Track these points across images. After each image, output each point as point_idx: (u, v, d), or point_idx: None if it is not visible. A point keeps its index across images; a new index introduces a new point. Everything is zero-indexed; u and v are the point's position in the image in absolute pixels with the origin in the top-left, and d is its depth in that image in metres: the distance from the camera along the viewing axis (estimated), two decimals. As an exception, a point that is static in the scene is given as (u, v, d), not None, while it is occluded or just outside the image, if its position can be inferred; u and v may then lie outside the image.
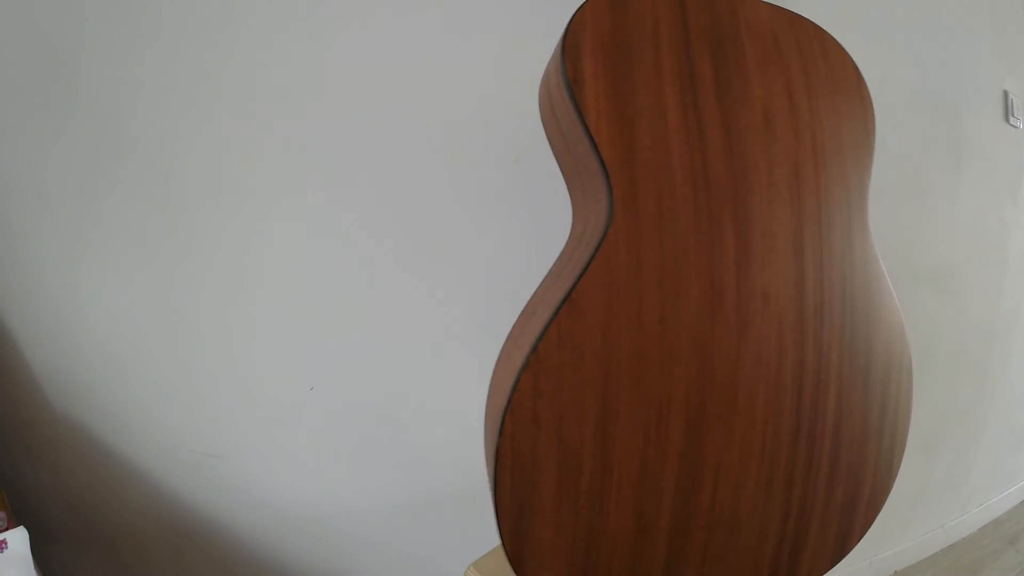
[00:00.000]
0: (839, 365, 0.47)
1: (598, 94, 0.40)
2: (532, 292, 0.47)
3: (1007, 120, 0.93)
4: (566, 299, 0.38)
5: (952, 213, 0.92)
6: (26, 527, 0.44)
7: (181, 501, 0.64)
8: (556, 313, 0.38)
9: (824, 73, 0.48)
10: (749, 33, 0.45)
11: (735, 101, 0.43)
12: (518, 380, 0.38)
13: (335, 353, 0.65)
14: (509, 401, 0.37)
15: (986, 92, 0.92)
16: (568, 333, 0.38)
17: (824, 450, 0.48)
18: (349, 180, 0.62)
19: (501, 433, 0.38)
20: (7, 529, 0.46)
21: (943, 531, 1.05)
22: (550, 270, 0.46)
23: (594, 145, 0.39)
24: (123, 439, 0.61)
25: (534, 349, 0.38)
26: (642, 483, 0.41)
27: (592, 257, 0.39)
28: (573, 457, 0.39)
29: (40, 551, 0.46)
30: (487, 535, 0.47)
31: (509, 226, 0.67)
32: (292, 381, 0.65)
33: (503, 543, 0.39)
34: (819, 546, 0.50)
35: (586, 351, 0.39)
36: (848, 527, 0.52)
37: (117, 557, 0.65)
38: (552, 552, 0.40)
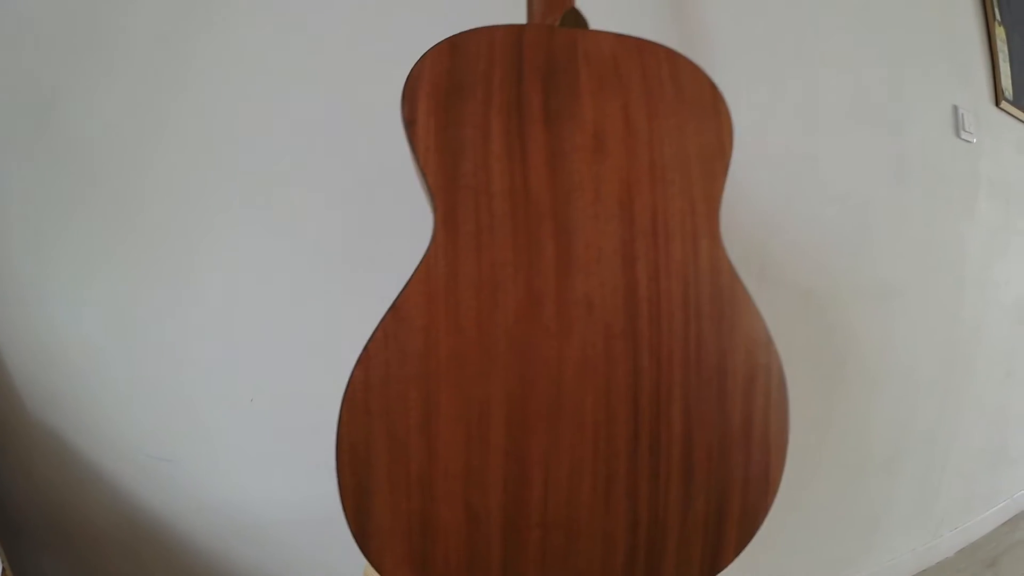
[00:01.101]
0: (684, 375, 0.49)
1: (428, 131, 0.46)
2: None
3: (958, 135, 0.89)
4: (392, 306, 0.44)
5: (900, 229, 0.88)
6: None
7: (137, 503, 0.70)
8: (384, 318, 0.44)
9: (671, 94, 0.51)
10: (587, 63, 0.49)
11: (563, 126, 0.48)
12: (352, 373, 0.44)
13: (277, 363, 0.72)
14: (345, 392, 0.44)
15: (935, 107, 0.88)
16: (393, 335, 0.44)
17: (672, 460, 0.49)
18: (296, 197, 0.71)
19: (340, 420, 0.44)
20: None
21: (913, 555, 0.97)
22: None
23: (423, 174, 0.45)
24: (87, 441, 0.68)
25: (365, 347, 0.44)
26: (468, 476, 0.45)
27: (416, 270, 0.44)
28: (400, 446, 0.45)
29: (10, 546, 0.53)
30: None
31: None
32: (235, 389, 0.72)
33: (348, 522, 0.45)
34: (683, 560, 0.51)
35: (408, 351, 0.44)
36: (717, 542, 0.52)
37: (78, 556, 0.71)
38: (391, 534, 0.45)
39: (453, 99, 0.46)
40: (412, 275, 0.44)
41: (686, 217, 0.49)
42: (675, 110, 0.50)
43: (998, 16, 0.96)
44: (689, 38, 0.76)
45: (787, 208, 0.83)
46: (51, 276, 0.67)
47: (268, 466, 0.74)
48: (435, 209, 0.45)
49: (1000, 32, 0.96)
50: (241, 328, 0.72)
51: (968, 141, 0.94)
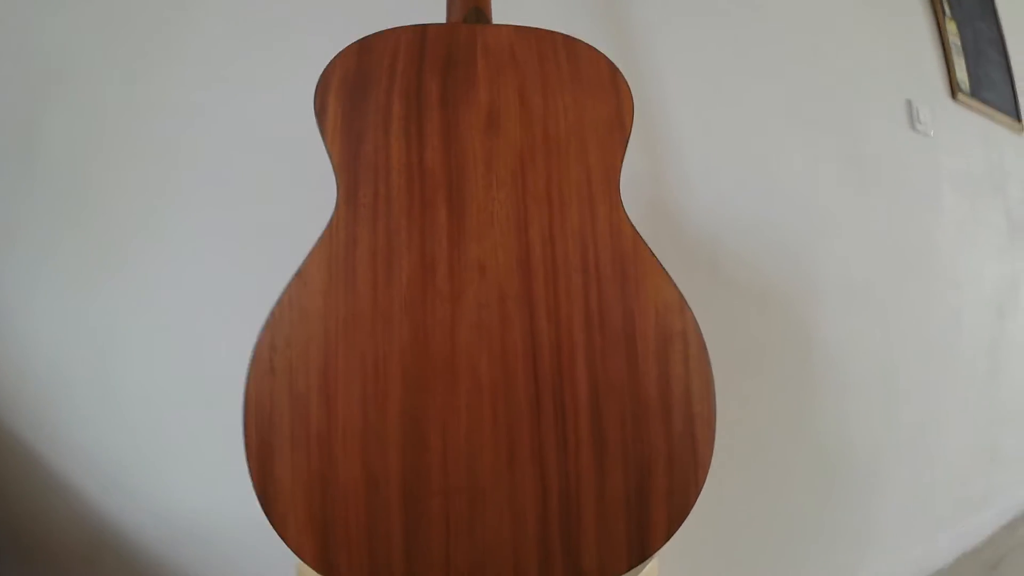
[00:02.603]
0: (586, 337, 0.49)
1: (335, 117, 0.51)
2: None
3: (913, 128, 0.87)
4: (296, 272, 0.48)
5: (859, 224, 0.84)
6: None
7: (99, 513, 0.69)
8: (289, 283, 0.48)
9: (567, 74, 0.54)
10: (484, 52, 0.54)
11: (459, 109, 0.52)
12: (260, 335, 0.47)
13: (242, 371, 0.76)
14: (252, 352, 0.47)
15: (887, 102, 0.87)
16: (296, 297, 0.48)
17: (580, 426, 0.49)
18: (261, 208, 0.78)
19: (246, 379, 0.47)
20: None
21: (911, 563, 0.85)
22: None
23: (329, 155, 0.50)
24: (50, 448, 0.69)
25: (271, 310, 0.48)
26: (365, 435, 0.47)
27: (319, 239, 0.49)
28: (302, 404, 0.47)
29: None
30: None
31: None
32: (199, 397, 0.74)
33: (252, 484, 0.47)
34: (605, 537, 0.49)
35: (309, 313, 0.47)
36: (643, 521, 0.49)
37: (37, 567, 0.70)
38: (292, 496, 0.47)
39: (359, 90, 0.52)
40: (315, 244, 0.48)
41: (582, 185, 0.51)
42: (571, 88, 0.53)
43: (948, 11, 0.97)
44: (628, 42, 0.80)
45: (735, 208, 0.82)
46: (16, 283, 0.70)
47: (231, 476, 0.75)
48: (338, 186, 0.50)
49: (952, 27, 0.97)
50: (207, 336, 0.74)
51: (925, 134, 0.93)
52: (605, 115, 0.53)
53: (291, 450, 0.46)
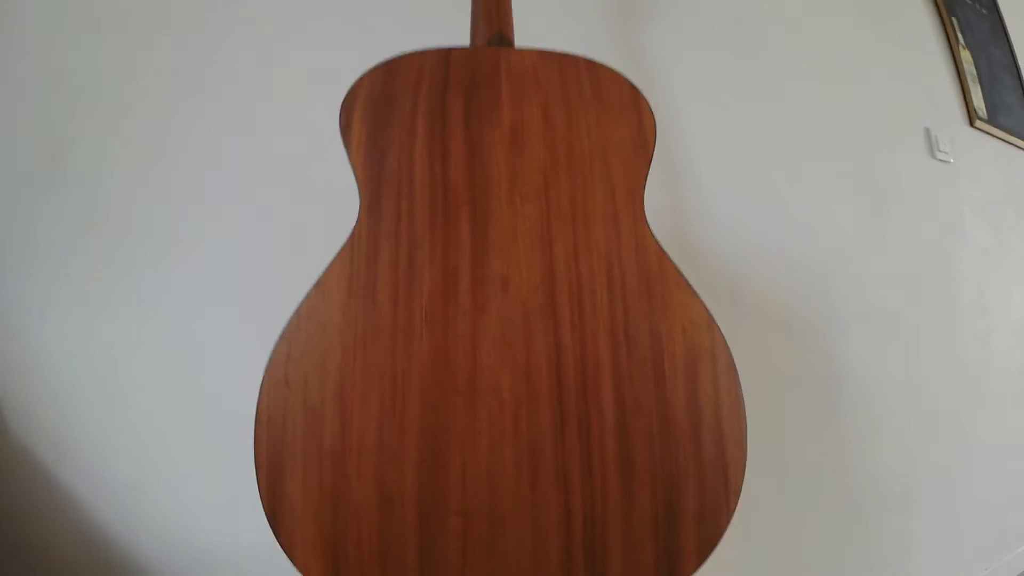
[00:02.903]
0: (613, 354, 0.48)
1: (360, 133, 0.52)
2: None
3: (933, 156, 0.89)
4: (315, 283, 0.48)
5: (882, 253, 0.84)
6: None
7: (102, 530, 0.68)
8: (307, 294, 0.47)
9: (589, 95, 0.55)
10: (508, 74, 0.55)
11: (482, 126, 0.52)
12: (276, 346, 0.46)
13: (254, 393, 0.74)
14: (267, 364, 0.46)
15: (905, 131, 0.89)
16: (314, 309, 0.47)
17: (607, 445, 0.47)
18: (272, 229, 0.78)
19: (260, 391, 0.46)
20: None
21: None
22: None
23: (353, 170, 0.51)
24: (59, 462, 0.68)
25: (288, 321, 0.47)
26: (381, 452, 0.45)
27: (339, 251, 0.48)
28: (316, 418, 0.46)
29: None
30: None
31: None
32: (210, 418, 0.72)
33: (261, 499, 0.46)
34: (632, 563, 0.47)
35: (327, 325, 0.47)
36: (673, 546, 0.47)
37: None
38: (303, 513, 0.45)
39: (384, 108, 0.52)
40: (335, 255, 0.48)
41: (607, 202, 0.51)
42: (594, 109, 0.54)
43: (962, 40, 0.99)
44: (647, 73, 0.82)
45: (756, 237, 0.82)
46: (34, 298, 0.71)
47: (239, 500, 0.73)
48: (361, 200, 0.50)
49: (966, 55, 0.99)
50: (219, 355, 0.74)
51: (945, 161, 0.94)
52: (628, 134, 0.53)
53: (303, 466, 0.45)
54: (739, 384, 0.49)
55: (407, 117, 0.52)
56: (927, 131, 0.97)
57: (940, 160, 0.96)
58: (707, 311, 0.50)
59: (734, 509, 0.48)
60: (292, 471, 0.45)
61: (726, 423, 0.48)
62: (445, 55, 0.55)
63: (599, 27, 0.80)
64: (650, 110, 0.55)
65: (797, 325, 0.82)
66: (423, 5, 0.76)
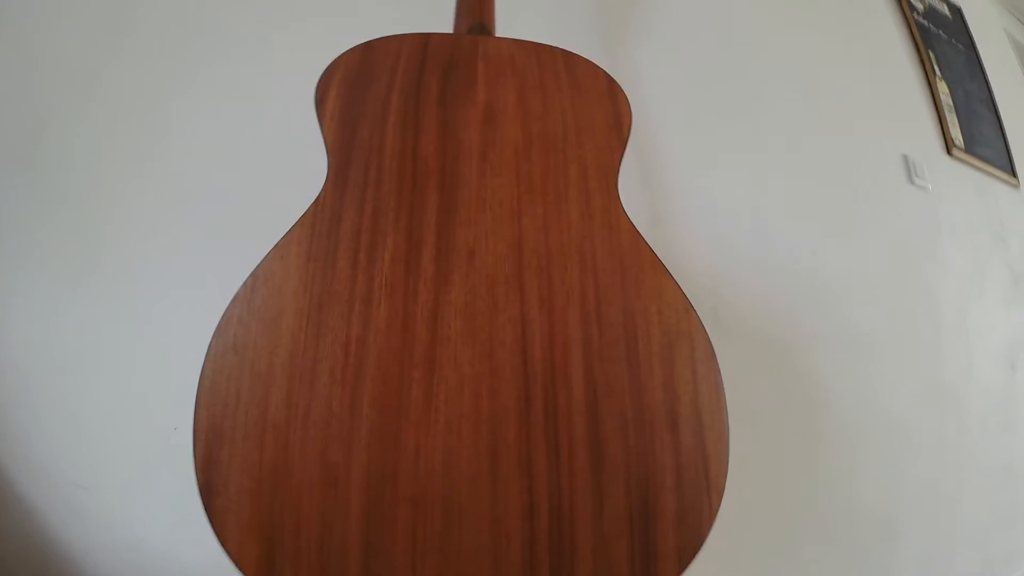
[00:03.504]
0: (583, 332, 0.45)
1: (334, 106, 0.51)
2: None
3: (911, 182, 0.91)
4: (276, 245, 0.45)
5: (861, 276, 0.84)
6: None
7: (48, 531, 0.65)
8: (266, 256, 0.45)
9: (565, 81, 0.55)
10: (486, 58, 0.55)
11: (456, 104, 0.52)
12: (227, 309, 0.44)
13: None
14: (217, 326, 0.43)
15: (883, 158, 0.92)
16: (270, 272, 0.44)
17: (576, 430, 0.43)
18: (241, 231, 0.76)
19: (206, 354, 0.43)
20: None
21: None
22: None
23: (324, 141, 0.50)
24: (10, 458, 0.65)
25: (244, 283, 0.44)
26: (328, 425, 0.41)
27: (303, 214, 0.47)
28: (262, 386, 0.42)
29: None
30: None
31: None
32: (161, 416, 0.68)
33: (196, 473, 0.41)
34: (603, 564, 0.42)
35: (283, 288, 0.44)
36: (650, 545, 0.42)
37: None
38: (239, 492, 0.40)
39: (360, 84, 0.52)
40: (297, 220, 0.46)
41: (580, 179, 0.50)
42: (569, 93, 0.54)
43: (938, 72, 1.04)
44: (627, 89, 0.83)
45: (734, 256, 0.81)
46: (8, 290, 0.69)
47: (187, 507, 0.68)
48: (329, 167, 0.49)
49: (943, 87, 1.03)
50: (176, 353, 0.68)
51: (923, 188, 0.96)
52: (603, 118, 0.53)
53: (243, 438, 0.41)
54: (719, 373, 0.46)
55: (382, 92, 0.52)
56: (905, 157, 1.00)
57: (918, 186, 0.99)
58: (684, 295, 0.48)
59: (717, 510, 0.44)
60: (231, 444, 0.41)
61: (706, 413, 0.45)
62: (424, 39, 0.56)
63: (582, 42, 0.82)
64: (625, 98, 0.55)
65: (776, 346, 0.80)
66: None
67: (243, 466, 0.40)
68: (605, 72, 0.56)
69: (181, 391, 0.67)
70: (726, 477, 0.45)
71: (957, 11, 1.25)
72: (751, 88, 0.92)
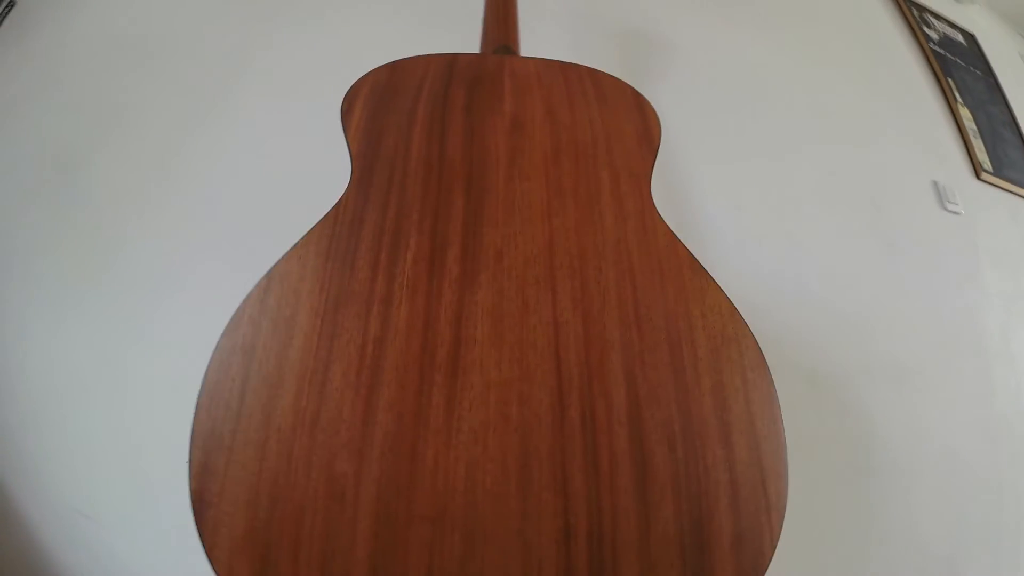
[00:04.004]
0: (622, 336, 0.41)
1: (360, 117, 0.51)
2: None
3: (944, 207, 0.90)
4: (293, 247, 0.44)
5: (901, 304, 0.81)
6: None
7: (48, 558, 0.63)
8: (282, 257, 0.43)
9: (592, 95, 0.55)
10: (511, 74, 0.56)
11: (483, 114, 0.52)
12: (238, 308, 0.41)
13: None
14: (227, 326, 0.40)
15: (913, 184, 0.92)
16: (286, 272, 0.42)
17: (618, 443, 0.38)
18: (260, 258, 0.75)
19: (212, 355, 0.40)
20: None
21: None
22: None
23: (349, 150, 0.49)
24: (15, 482, 0.65)
25: (258, 283, 0.42)
26: (337, 432, 0.37)
27: (323, 217, 0.45)
28: (268, 387, 0.38)
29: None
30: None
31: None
32: (175, 448, 0.67)
33: (190, 481, 0.37)
34: None
35: (300, 289, 0.42)
36: (705, 574, 0.36)
37: None
38: (234, 503, 0.36)
39: (387, 97, 0.53)
40: (317, 222, 0.45)
41: (611, 183, 0.48)
42: (597, 105, 0.54)
43: (959, 98, 1.04)
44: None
45: (773, 285, 0.78)
46: (24, 310, 0.70)
47: (189, 544, 0.63)
48: (352, 173, 0.48)
49: (965, 112, 1.04)
50: (190, 382, 0.69)
51: (956, 213, 0.95)
52: (632, 128, 0.52)
53: (243, 444, 0.37)
54: (772, 382, 0.42)
55: (408, 104, 0.52)
56: (935, 184, 1.00)
57: (951, 212, 0.98)
58: (728, 298, 0.44)
59: (778, 534, 0.38)
60: (230, 450, 0.37)
61: (760, 423, 0.40)
62: (451, 58, 0.57)
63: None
64: (653, 110, 0.54)
65: (823, 375, 0.75)
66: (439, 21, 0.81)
67: (241, 475, 0.36)
68: (631, 87, 0.56)
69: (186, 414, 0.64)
70: (787, 496, 0.39)
71: (971, 38, 1.28)
72: (776, 124, 0.93)
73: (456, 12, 0.77)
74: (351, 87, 0.53)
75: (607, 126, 0.52)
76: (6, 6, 0.76)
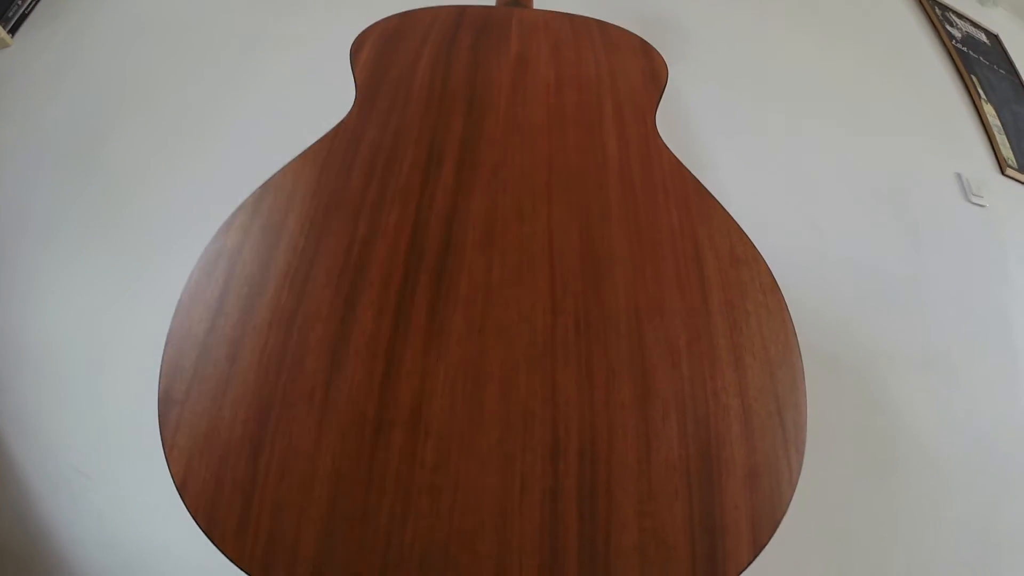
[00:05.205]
0: (622, 246, 0.39)
1: (369, 54, 0.52)
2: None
3: (968, 200, 0.87)
4: (291, 161, 0.43)
5: (927, 294, 0.78)
6: None
7: (42, 515, 0.62)
8: (279, 170, 0.42)
9: (599, 40, 0.54)
10: (519, 21, 0.56)
11: (488, 52, 0.52)
12: (230, 216, 0.40)
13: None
14: (216, 233, 0.39)
15: (937, 176, 0.90)
16: (282, 183, 0.41)
17: (615, 353, 0.35)
18: None
19: (198, 259, 0.38)
20: None
21: None
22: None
23: (355, 81, 0.49)
24: (14, 439, 0.64)
25: (252, 193, 0.41)
26: (312, 328, 0.35)
27: (322, 136, 0.44)
28: (249, 286, 0.37)
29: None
30: None
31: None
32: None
33: (159, 378, 0.35)
34: (651, 535, 0.31)
35: (294, 196, 0.40)
36: (714, 511, 0.32)
37: None
38: (199, 400, 0.33)
39: (395, 38, 0.53)
40: (317, 140, 0.44)
41: (614, 113, 0.47)
42: (603, 49, 0.53)
43: (983, 95, 1.02)
44: (684, 122, 0.84)
45: (791, 272, 0.76)
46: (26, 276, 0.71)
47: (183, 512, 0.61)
48: (356, 98, 0.47)
49: (989, 109, 1.02)
50: None
51: (980, 206, 0.94)
52: (637, 68, 0.51)
53: (217, 342, 0.35)
54: (785, 307, 0.38)
55: (416, 43, 0.52)
56: (958, 175, 0.98)
57: (975, 204, 0.95)
58: (736, 223, 0.41)
59: (798, 472, 0.33)
60: (204, 347, 0.35)
61: (774, 349, 0.36)
62: (460, 9, 0.57)
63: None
64: (660, 56, 0.54)
65: (846, 360, 0.70)
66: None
67: (210, 372, 0.33)
68: (638, 36, 0.55)
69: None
70: (806, 431, 0.34)
71: (995, 38, 1.26)
72: (800, 113, 0.93)
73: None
74: (361, 32, 0.54)
75: (612, 65, 0.51)
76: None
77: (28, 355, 0.68)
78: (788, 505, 0.32)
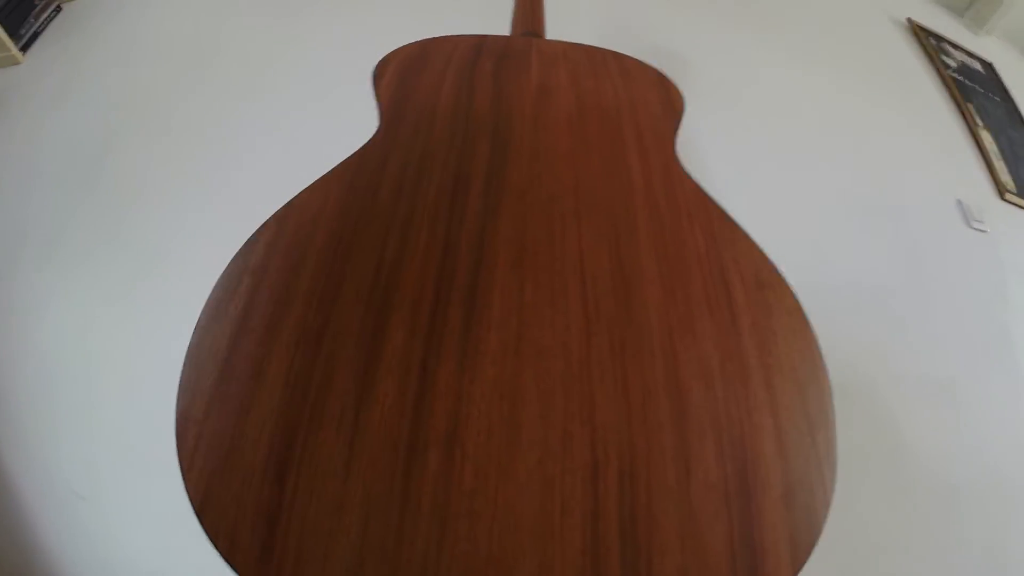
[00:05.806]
0: (651, 267, 0.39)
1: (392, 79, 0.53)
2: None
3: (969, 225, 0.91)
4: (314, 182, 0.43)
5: (930, 318, 0.80)
6: None
7: (38, 537, 0.60)
8: (302, 190, 0.42)
9: (616, 71, 0.56)
10: (538, 53, 0.57)
11: (510, 80, 0.53)
12: (253, 234, 0.39)
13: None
14: (239, 251, 0.39)
15: (937, 202, 0.94)
16: (307, 202, 0.41)
17: (650, 374, 0.35)
18: None
19: (219, 278, 0.38)
20: None
21: None
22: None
23: (378, 104, 0.50)
24: (13, 462, 0.63)
25: (275, 213, 0.41)
26: (343, 346, 0.34)
27: (346, 159, 0.45)
28: (277, 307, 0.36)
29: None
30: None
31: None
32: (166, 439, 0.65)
33: (177, 396, 0.34)
34: (694, 558, 0.31)
35: (320, 215, 0.40)
36: (753, 530, 0.31)
37: None
38: (221, 419, 0.32)
39: (416, 65, 0.54)
40: (341, 161, 0.44)
41: (635, 141, 0.48)
42: (621, 79, 0.55)
43: (980, 122, 1.06)
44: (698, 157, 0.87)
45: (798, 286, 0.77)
46: (35, 293, 0.70)
47: (186, 538, 0.58)
48: (380, 123, 0.48)
49: (986, 135, 1.06)
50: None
51: (981, 231, 0.96)
52: (655, 98, 0.53)
53: (241, 358, 0.34)
54: (811, 327, 0.39)
55: (438, 69, 0.53)
56: (959, 202, 1.01)
57: (976, 230, 0.97)
58: (757, 246, 0.42)
59: (832, 491, 0.33)
60: (227, 363, 0.34)
61: (802, 369, 0.36)
62: (480, 38, 0.59)
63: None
64: (676, 87, 0.55)
65: (854, 388, 0.71)
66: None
67: (234, 391, 0.32)
68: (653, 68, 0.57)
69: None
70: (836, 445, 0.34)
71: (989, 66, 1.32)
72: (801, 142, 0.96)
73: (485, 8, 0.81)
74: (383, 57, 0.55)
75: (631, 94, 0.53)
76: (52, 11, 0.82)
77: (25, 375, 0.66)
78: (824, 523, 0.32)
